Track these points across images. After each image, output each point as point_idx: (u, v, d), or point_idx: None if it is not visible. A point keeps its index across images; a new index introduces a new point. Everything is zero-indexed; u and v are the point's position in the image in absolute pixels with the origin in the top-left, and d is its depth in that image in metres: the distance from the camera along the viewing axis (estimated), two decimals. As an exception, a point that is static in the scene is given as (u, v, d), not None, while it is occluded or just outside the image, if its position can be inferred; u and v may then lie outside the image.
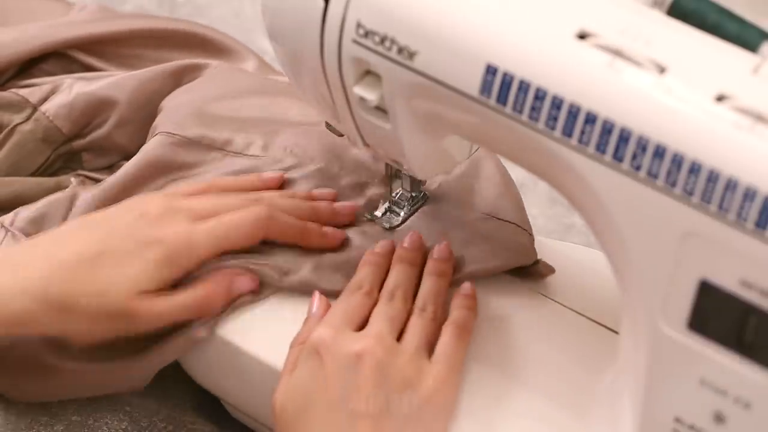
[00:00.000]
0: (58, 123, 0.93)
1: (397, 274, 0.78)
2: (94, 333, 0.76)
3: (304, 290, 0.79)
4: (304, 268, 0.80)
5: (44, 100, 0.94)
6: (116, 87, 0.94)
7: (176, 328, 0.79)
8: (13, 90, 0.95)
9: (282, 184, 0.85)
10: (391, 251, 0.79)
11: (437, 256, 0.79)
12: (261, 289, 0.80)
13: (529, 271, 0.81)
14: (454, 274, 0.80)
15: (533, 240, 0.82)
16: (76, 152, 0.94)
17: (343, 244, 0.82)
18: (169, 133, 0.89)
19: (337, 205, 0.84)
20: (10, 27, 1.00)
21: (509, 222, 0.82)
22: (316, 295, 0.78)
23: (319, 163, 0.86)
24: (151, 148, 0.88)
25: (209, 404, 0.85)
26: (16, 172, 0.91)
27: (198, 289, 0.78)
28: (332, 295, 0.78)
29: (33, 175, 0.92)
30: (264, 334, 0.78)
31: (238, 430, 0.84)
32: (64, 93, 0.94)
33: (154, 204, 0.78)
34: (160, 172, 0.87)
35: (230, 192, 0.83)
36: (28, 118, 0.93)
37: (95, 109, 0.93)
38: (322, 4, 0.69)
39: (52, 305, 0.74)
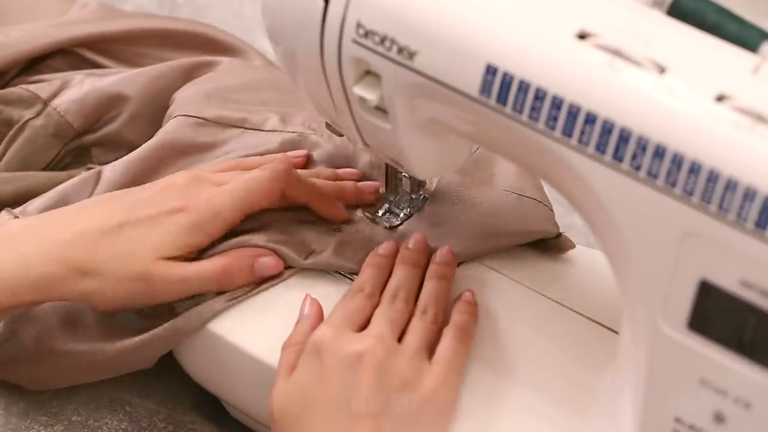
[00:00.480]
0: (69, 118, 0.93)
1: (400, 276, 0.78)
2: (114, 297, 0.77)
3: (325, 270, 0.80)
4: (327, 250, 0.81)
5: (54, 95, 0.94)
6: (127, 83, 0.95)
7: (188, 306, 0.79)
8: (23, 86, 0.95)
9: (306, 164, 0.87)
10: (395, 252, 0.80)
11: (439, 259, 0.79)
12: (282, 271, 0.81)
13: (550, 245, 0.82)
14: (480, 247, 0.81)
15: (554, 215, 0.82)
16: (86, 147, 0.94)
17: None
18: (187, 115, 0.90)
19: (362, 184, 0.85)
20: (13, 26, 1.00)
21: (531, 198, 0.83)
22: (308, 298, 0.78)
23: (336, 141, 0.87)
24: (171, 129, 0.89)
25: (209, 404, 0.85)
26: (26, 167, 0.92)
27: (220, 261, 0.79)
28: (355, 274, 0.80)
29: (43, 170, 0.93)
30: (260, 332, 0.78)
31: (238, 430, 0.84)
32: (75, 88, 0.94)
33: (180, 177, 0.80)
34: (180, 153, 0.88)
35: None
36: (39, 114, 0.93)
37: (106, 105, 0.94)
38: (322, 4, 0.69)
39: (75, 269, 0.76)
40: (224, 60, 0.98)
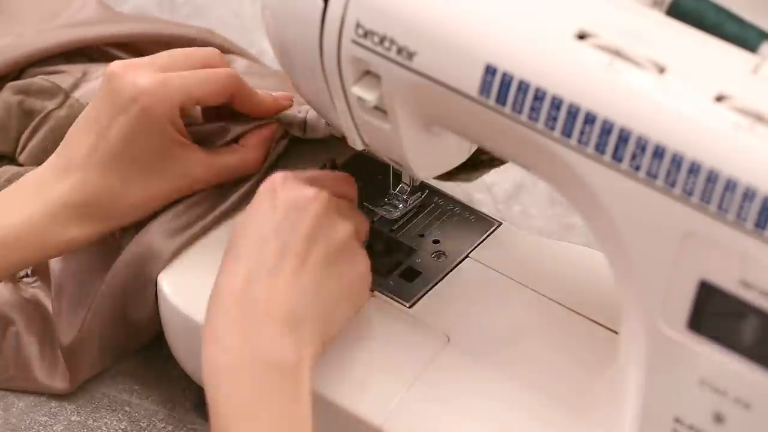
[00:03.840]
0: None
1: None
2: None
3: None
4: None
5: (75, 86, 0.94)
6: None
7: None
8: (42, 76, 0.95)
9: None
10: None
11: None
12: None
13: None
14: None
15: None
16: None
17: None
18: None
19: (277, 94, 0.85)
20: (25, 27, 1.00)
21: None
22: None
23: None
24: None
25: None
26: (47, 158, 0.92)
27: (239, 153, 0.82)
28: None
29: None
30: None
31: (238, 431, 0.84)
32: (97, 81, 0.94)
33: (115, 64, 0.79)
34: None
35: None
36: (61, 104, 0.93)
37: None
38: (321, 4, 0.69)
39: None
40: (237, 59, 0.98)
